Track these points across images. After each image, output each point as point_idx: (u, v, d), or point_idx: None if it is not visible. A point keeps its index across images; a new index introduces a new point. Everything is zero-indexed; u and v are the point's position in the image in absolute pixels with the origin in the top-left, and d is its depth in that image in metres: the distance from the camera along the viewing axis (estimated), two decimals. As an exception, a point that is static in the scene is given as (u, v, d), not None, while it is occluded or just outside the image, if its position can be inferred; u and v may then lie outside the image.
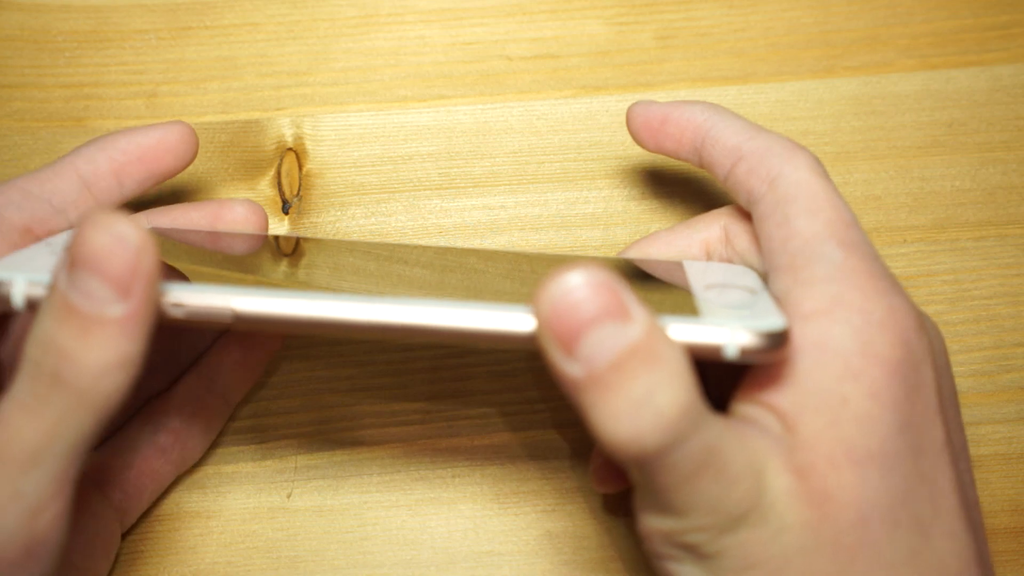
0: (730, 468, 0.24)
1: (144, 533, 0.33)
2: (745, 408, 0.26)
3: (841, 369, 0.25)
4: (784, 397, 0.25)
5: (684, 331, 0.24)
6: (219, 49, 0.37)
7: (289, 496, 0.34)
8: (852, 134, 0.37)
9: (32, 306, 0.24)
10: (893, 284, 0.27)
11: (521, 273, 0.30)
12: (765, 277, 0.28)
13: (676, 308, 0.25)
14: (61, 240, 0.28)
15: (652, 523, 0.25)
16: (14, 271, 0.25)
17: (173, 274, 0.27)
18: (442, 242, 0.36)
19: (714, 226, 0.32)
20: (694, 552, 0.25)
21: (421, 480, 0.34)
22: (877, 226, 0.36)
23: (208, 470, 0.34)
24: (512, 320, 0.24)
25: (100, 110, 0.37)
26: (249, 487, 0.34)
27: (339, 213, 0.36)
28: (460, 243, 0.36)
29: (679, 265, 0.31)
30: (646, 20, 0.38)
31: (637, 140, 0.33)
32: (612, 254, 0.35)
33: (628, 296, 0.23)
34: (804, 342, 0.25)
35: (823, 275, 0.26)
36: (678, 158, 0.32)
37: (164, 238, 0.30)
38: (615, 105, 0.37)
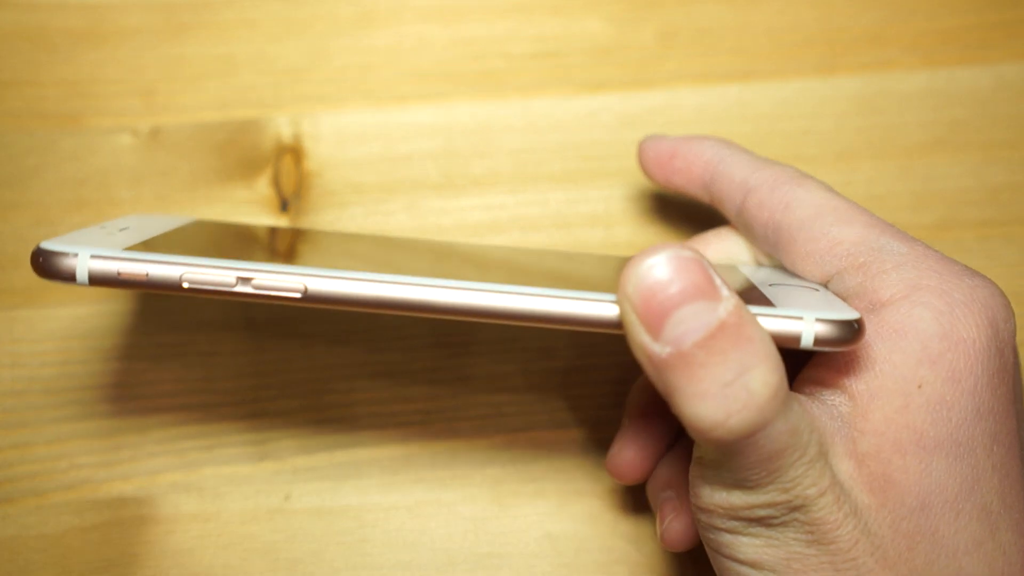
0: (810, 449, 0.24)
1: (142, 535, 0.33)
2: (816, 389, 0.26)
3: (919, 352, 0.25)
4: (859, 381, 0.25)
5: (763, 320, 0.24)
6: (217, 47, 0.37)
7: (287, 498, 0.34)
8: (854, 133, 0.37)
9: (95, 280, 0.25)
10: (969, 268, 0.27)
11: (528, 262, 0.30)
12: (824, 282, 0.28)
13: (747, 299, 0.25)
14: (116, 224, 0.28)
15: (718, 498, 0.25)
16: (79, 246, 0.25)
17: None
18: (445, 242, 0.36)
19: (728, 240, 0.32)
20: (761, 523, 0.25)
21: (420, 482, 0.34)
22: (880, 225, 0.36)
23: (206, 471, 0.34)
24: (597, 305, 0.24)
25: (96, 108, 0.37)
26: (247, 489, 0.34)
27: (338, 212, 0.36)
28: (464, 240, 0.36)
29: (734, 268, 0.31)
30: (647, 18, 0.38)
31: (648, 174, 0.33)
32: (615, 254, 0.35)
33: (715, 274, 0.23)
34: (883, 328, 0.25)
35: (894, 263, 0.26)
36: (688, 194, 0.32)
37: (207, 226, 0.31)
38: (616, 103, 0.37)
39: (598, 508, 0.34)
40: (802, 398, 0.25)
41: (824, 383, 0.26)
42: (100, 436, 0.34)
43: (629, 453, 0.31)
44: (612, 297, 0.24)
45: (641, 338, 0.23)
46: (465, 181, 0.36)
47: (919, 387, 0.24)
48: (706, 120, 0.37)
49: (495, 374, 0.35)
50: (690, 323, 0.22)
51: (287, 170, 0.36)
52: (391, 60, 0.37)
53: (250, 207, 0.36)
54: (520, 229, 0.36)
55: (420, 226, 0.36)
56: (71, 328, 0.35)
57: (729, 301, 0.23)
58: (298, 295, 0.25)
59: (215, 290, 0.25)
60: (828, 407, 0.25)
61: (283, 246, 0.31)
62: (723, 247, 0.32)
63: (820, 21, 0.38)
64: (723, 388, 0.22)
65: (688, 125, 0.37)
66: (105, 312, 0.35)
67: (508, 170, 0.37)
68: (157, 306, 0.35)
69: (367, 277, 0.25)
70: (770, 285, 0.28)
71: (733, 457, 0.23)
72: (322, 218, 0.36)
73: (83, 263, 0.25)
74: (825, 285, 0.28)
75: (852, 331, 0.24)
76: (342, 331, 0.35)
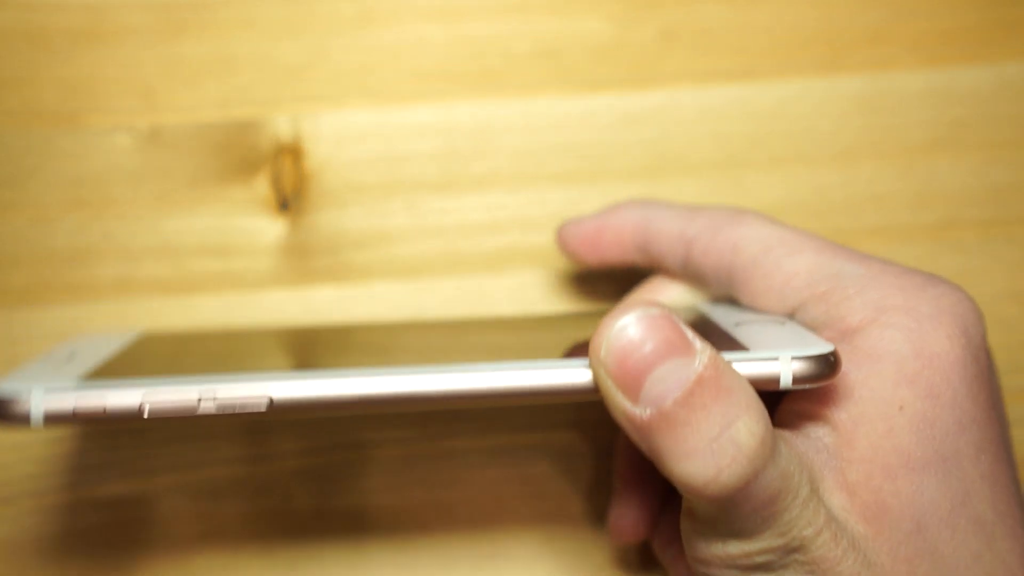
0: (802, 489, 0.23)
1: (140, 538, 0.33)
2: (798, 422, 0.25)
3: (896, 375, 0.24)
4: (840, 410, 0.25)
5: (739, 366, 0.24)
6: (216, 46, 0.37)
7: (287, 498, 0.34)
8: (855, 132, 0.37)
9: (51, 420, 0.23)
10: (927, 274, 0.26)
11: (505, 331, 0.30)
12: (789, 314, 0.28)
13: (718, 346, 0.24)
14: (64, 349, 0.27)
15: (714, 549, 0.25)
16: (30, 382, 0.23)
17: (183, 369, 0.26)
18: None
19: (670, 288, 0.31)
20: (760, 569, 0.24)
21: (420, 483, 0.34)
22: (881, 225, 0.36)
23: (205, 473, 0.34)
24: (571, 373, 0.24)
25: (95, 107, 0.37)
26: (247, 489, 0.34)
27: (338, 212, 0.36)
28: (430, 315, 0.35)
29: (694, 310, 0.30)
30: (647, 17, 0.38)
31: (578, 259, 0.32)
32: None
33: (686, 328, 0.23)
34: (856, 355, 0.25)
35: (856, 288, 0.26)
36: (624, 264, 0.32)
37: (169, 337, 0.30)
38: (617, 103, 0.37)
39: (599, 510, 0.34)
40: (787, 435, 0.25)
41: (806, 415, 0.25)
42: (99, 436, 0.34)
43: (628, 518, 0.31)
44: (584, 362, 0.24)
45: (620, 402, 0.23)
46: (465, 181, 0.36)
47: (900, 409, 0.24)
48: (706, 120, 0.37)
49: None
50: (668, 382, 0.22)
51: (287, 170, 0.36)
52: (391, 60, 0.37)
53: (249, 207, 0.36)
54: (520, 229, 0.36)
55: (419, 226, 0.36)
56: (71, 328, 0.35)
57: (704, 354, 0.22)
58: (263, 409, 0.23)
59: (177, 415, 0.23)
60: (812, 440, 0.25)
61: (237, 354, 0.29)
62: (669, 295, 0.31)
63: (821, 20, 0.38)
64: (710, 444, 0.22)
65: (688, 125, 0.37)
66: (105, 312, 0.35)
67: (508, 170, 0.36)
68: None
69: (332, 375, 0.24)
70: (736, 325, 0.27)
71: (727, 510, 0.23)
72: (321, 218, 0.36)
73: (37, 403, 0.23)
74: (790, 317, 0.27)
75: (829, 365, 0.24)
76: (342, 332, 0.35)
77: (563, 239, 0.33)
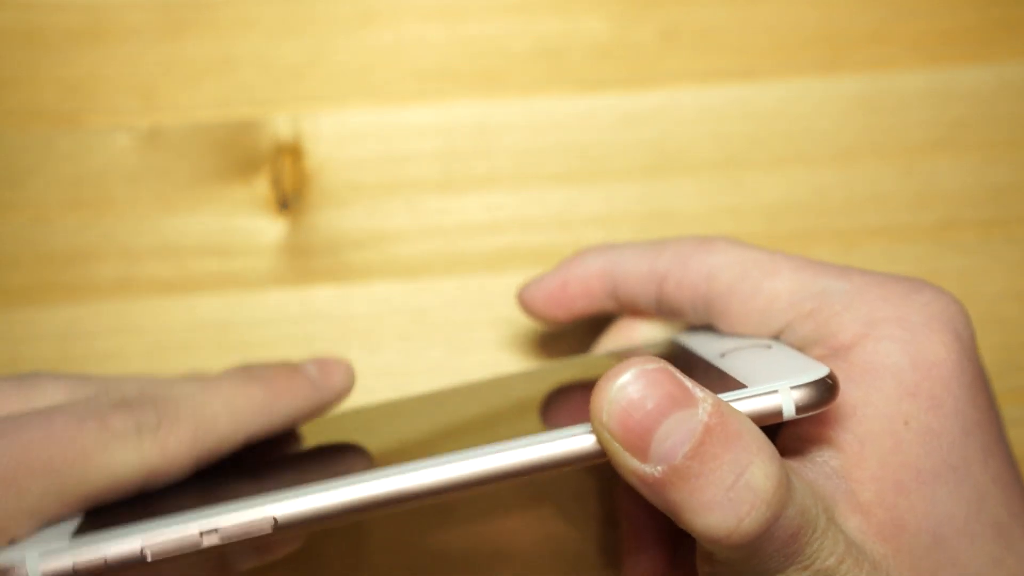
0: (820, 519, 0.23)
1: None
2: (802, 446, 0.25)
3: (897, 388, 0.24)
4: (844, 431, 0.24)
5: (740, 404, 0.23)
6: (216, 46, 0.37)
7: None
8: (855, 132, 0.37)
9: None
10: (911, 280, 0.26)
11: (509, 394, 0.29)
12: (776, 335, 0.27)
13: (711, 384, 0.24)
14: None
15: None
16: (25, 549, 0.23)
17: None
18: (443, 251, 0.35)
19: (641, 327, 0.31)
20: None
21: (421, 483, 0.34)
22: (881, 225, 0.36)
23: (205, 473, 0.33)
24: (575, 441, 0.23)
25: (94, 107, 0.37)
26: (247, 490, 0.33)
27: (338, 212, 0.36)
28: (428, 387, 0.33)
29: (673, 343, 0.30)
30: (648, 17, 0.38)
31: (546, 319, 0.32)
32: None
33: (684, 378, 0.22)
34: (853, 372, 0.25)
35: (842, 304, 0.26)
36: (595, 313, 0.31)
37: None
38: (617, 102, 0.37)
39: (600, 507, 0.34)
40: (794, 465, 0.24)
41: (809, 439, 0.25)
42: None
43: (643, 563, 0.30)
44: (586, 427, 0.23)
45: (629, 463, 0.22)
46: (465, 181, 0.36)
47: (906, 423, 0.24)
48: (706, 120, 0.37)
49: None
50: (675, 437, 0.22)
51: (287, 170, 0.36)
52: (391, 59, 0.37)
53: (249, 207, 0.36)
54: (520, 229, 0.36)
55: (420, 226, 0.36)
56: (71, 328, 0.35)
57: (706, 402, 0.22)
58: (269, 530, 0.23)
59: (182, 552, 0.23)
60: (819, 466, 0.24)
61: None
62: (642, 334, 0.31)
63: (821, 20, 0.38)
64: (727, 493, 0.22)
65: (688, 124, 0.37)
66: (105, 312, 0.35)
67: (508, 170, 0.36)
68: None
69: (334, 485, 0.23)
70: (722, 356, 0.27)
71: (750, 554, 0.23)
72: (321, 218, 0.36)
73: (33, 569, 0.22)
74: (775, 339, 0.27)
75: (828, 388, 0.23)
76: (342, 332, 0.35)
77: (526, 302, 0.32)
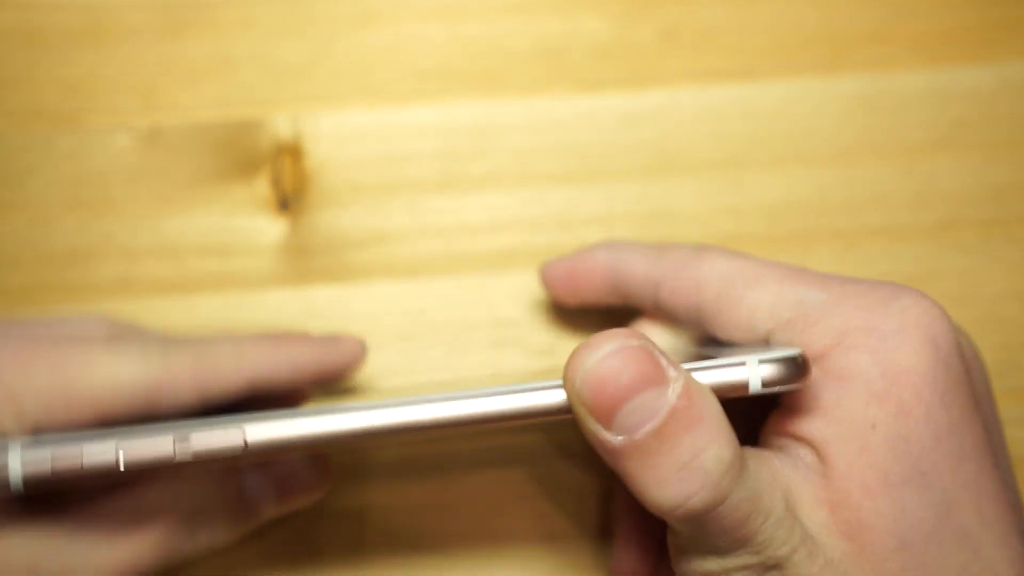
0: (775, 509, 0.24)
1: (140, 537, 0.33)
2: (777, 440, 0.26)
3: (865, 394, 0.24)
4: (815, 427, 0.25)
5: (707, 374, 0.24)
6: (215, 46, 0.37)
7: (287, 499, 0.34)
8: (856, 132, 0.37)
9: (30, 485, 0.23)
10: (892, 287, 0.26)
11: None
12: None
13: (690, 359, 0.24)
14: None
15: (695, 565, 0.25)
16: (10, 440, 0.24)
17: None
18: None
19: (649, 331, 0.32)
20: None
21: (420, 483, 0.34)
22: (881, 225, 0.36)
23: (205, 473, 0.33)
24: (545, 396, 0.24)
25: (94, 107, 0.37)
26: (247, 490, 0.33)
27: (338, 212, 0.36)
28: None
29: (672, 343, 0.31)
30: (648, 17, 0.38)
31: (560, 301, 0.34)
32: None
33: (661, 356, 0.23)
34: (827, 377, 0.25)
35: (818, 314, 0.26)
36: (603, 304, 0.32)
37: None
38: (617, 102, 0.37)
39: (598, 509, 0.34)
40: (766, 454, 0.25)
41: (787, 434, 0.25)
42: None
43: (629, 563, 0.31)
44: (557, 383, 0.24)
45: (592, 426, 0.23)
46: (465, 181, 0.36)
47: (873, 427, 0.24)
48: (706, 120, 0.37)
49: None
50: (641, 413, 0.23)
51: (287, 170, 0.36)
52: (391, 60, 0.37)
53: (249, 207, 0.36)
54: (520, 229, 0.36)
55: (420, 226, 0.36)
56: (69, 328, 0.35)
57: (677, 382, 0.23)
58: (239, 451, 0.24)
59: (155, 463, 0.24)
60: (793, 457, 0.25)
61: None
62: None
63: (821, 20, 0.38)
64: (679, 472, 0.23)
65: (688, 124, 0.37)
66: (105, 312, 0.35)
67: (509, 170, 0.36)
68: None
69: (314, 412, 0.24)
70: (705, 346, 0.28)
71: (699, 529, 0.24)
72: (321, 218, 0.36)
73: (15, 463, 0.23)
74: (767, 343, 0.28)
75: (798, 367, 0.24)
76: (342, 332, 0.35)
77: (543, 278, 0.33)
